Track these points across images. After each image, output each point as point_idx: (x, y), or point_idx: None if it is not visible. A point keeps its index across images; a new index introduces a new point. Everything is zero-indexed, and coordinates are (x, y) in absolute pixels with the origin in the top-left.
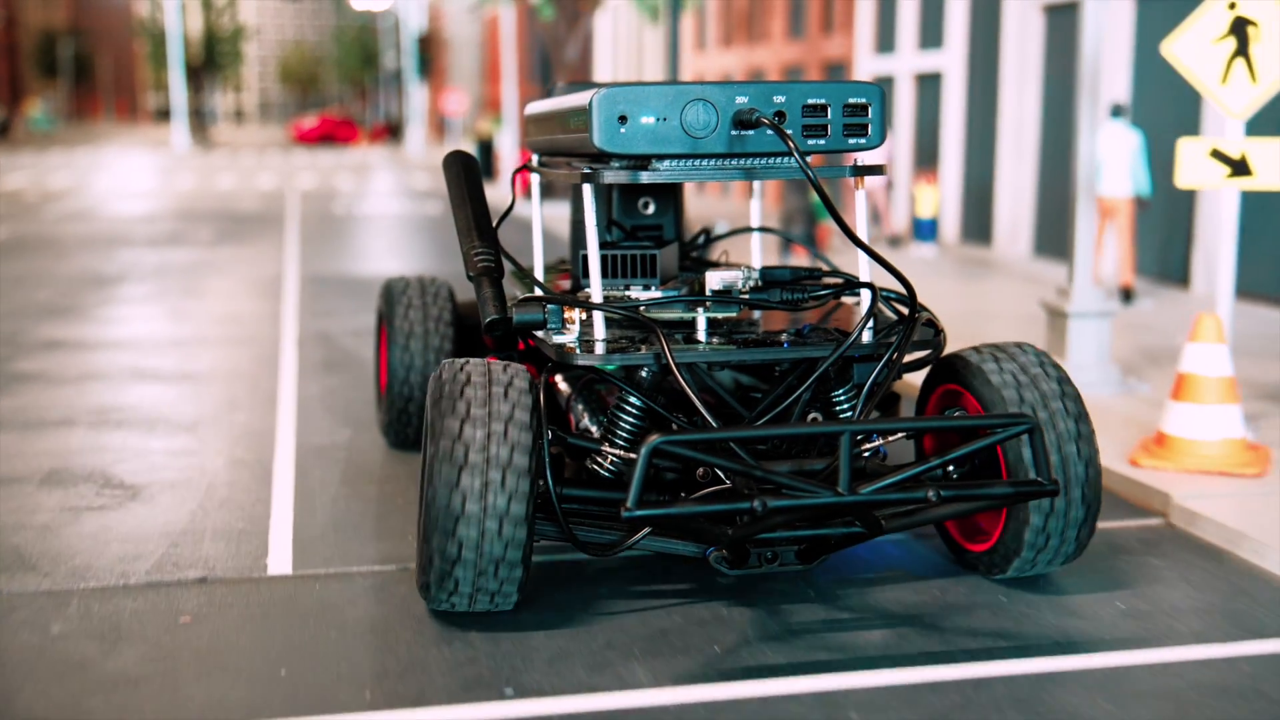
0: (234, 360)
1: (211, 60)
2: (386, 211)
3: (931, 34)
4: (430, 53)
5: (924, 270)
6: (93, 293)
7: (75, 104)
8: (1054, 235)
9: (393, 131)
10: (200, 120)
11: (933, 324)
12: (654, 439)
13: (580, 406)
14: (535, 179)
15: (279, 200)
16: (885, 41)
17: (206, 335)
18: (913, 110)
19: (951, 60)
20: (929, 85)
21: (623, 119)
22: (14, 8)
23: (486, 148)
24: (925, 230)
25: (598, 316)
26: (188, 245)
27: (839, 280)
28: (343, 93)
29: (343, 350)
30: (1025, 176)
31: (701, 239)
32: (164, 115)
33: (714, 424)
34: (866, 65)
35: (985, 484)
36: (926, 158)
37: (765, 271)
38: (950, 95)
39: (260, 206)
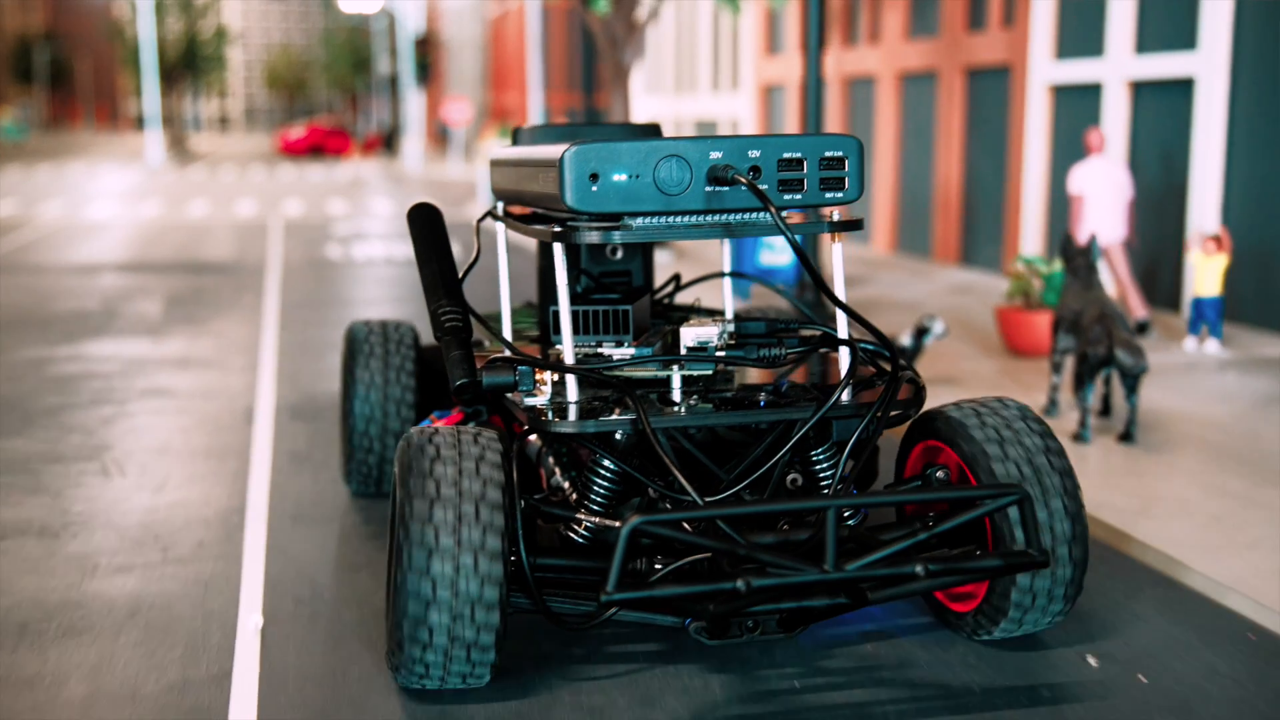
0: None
1: (193, 65)
2: (392, 255)
3: (1166, 27)
4: (429, 57)
5: (1217, 384)
6: None
7: (53, 111)
8: None
9: (387, 142)
10: (179, 129)
11: (914, 380)
12: (634, 520)
13: (551, 461)
14: (501, 229)
15: (259, 236)
16: (1078, 40)
17: (91, 606)
18: (1126, 135)
19: (1207, 64)
20: (1157, 99)
21: (594, 176)
22: None
23: None
24: (1208, 314)
25: (570, 380)
26: (122, 330)
27: (815, 333)
28: (332, 99)
29: (359, 691)
30: None
31: (671, 286)
32: (145, 122)
33: (695, 496)
34: (1043, 72)
35: (973, 557)
36: (1169, 201)
37: (740, 325)
38: (1205, 114)
39: (234, 249)
